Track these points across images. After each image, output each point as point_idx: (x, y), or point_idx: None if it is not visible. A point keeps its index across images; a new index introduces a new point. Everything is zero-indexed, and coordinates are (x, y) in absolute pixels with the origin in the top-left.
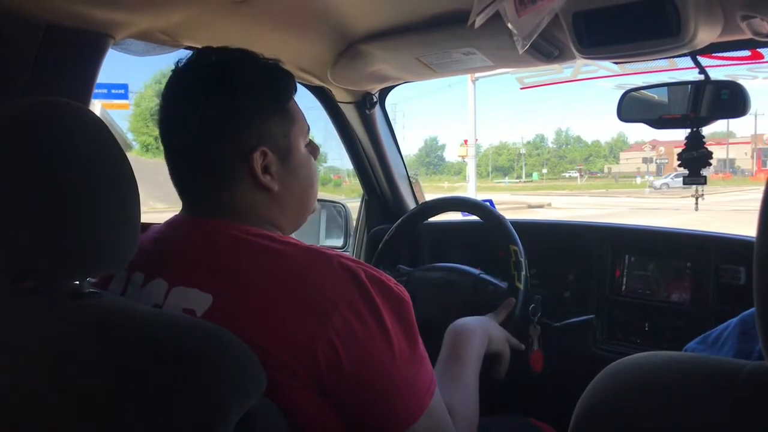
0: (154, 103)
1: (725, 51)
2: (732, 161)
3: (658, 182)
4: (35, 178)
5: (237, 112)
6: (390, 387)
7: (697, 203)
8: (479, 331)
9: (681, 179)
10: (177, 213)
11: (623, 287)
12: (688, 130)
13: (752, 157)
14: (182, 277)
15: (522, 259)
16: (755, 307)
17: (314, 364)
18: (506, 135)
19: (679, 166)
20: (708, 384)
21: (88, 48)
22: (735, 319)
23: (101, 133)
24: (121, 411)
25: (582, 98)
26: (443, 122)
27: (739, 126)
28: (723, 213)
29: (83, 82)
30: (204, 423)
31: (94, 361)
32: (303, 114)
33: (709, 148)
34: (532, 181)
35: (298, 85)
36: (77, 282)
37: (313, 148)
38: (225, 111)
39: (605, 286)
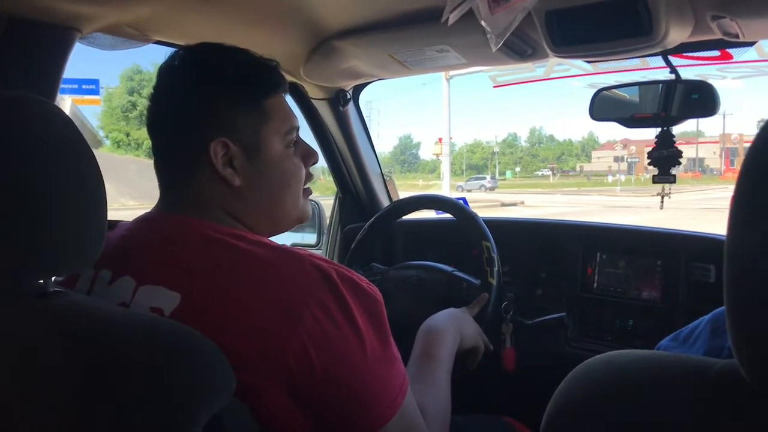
0: (125, 99)
1: (696, 51)
2: (701, 160)
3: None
4: None
5: (201, 101)
6: (362, 387)
7: (662, 201)
8: (451, 330)
9: (476, 182)
10: (149, 210)
11: (595, 285)
12: (659, 129)
13: (721, 156)
14: (150, 275)
15: (494, 255)
16: (725, 307)
17: (284, 365)
18: (480, 133)
19: (650, 164)
20: (679, 382)
21: (54, 42)
22: (707, 317)
23: (67, 128)
24: (86, 412)
25: (555, 97)
26: (418, 120)
27: (708, 126)
28: (693, 211)
29: (49, 77)
30: (171, 424)
31: (59, 361)
32: (288, 114)
33: (679, 147)
34: (505, 179)
35: None
36: (42, 281)
37: (304, 152)
38: (189, 99)
39: (577, 284)
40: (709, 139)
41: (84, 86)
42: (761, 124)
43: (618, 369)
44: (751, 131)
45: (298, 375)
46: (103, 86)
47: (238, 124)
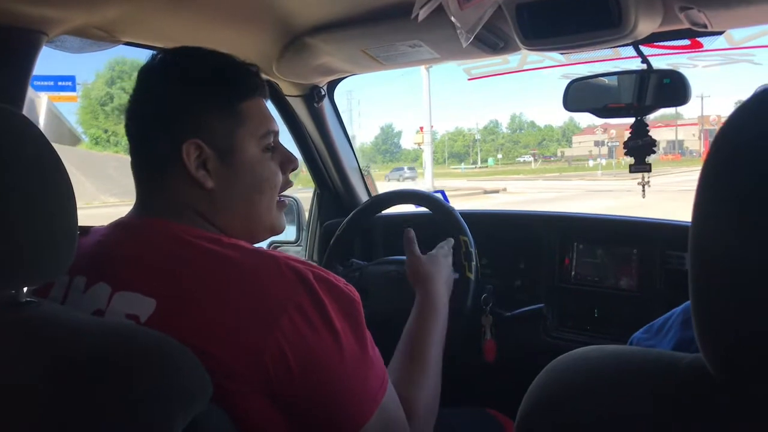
0: (104, 90)
1: (666, 40)
2: (681, 142)
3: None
4: None
5: (175, 102)
6: (340, 388)
7: (644, 190)
8: (445, 296)
9: (397, 173)
10: (126, 213)
11: (572, 275)
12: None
13: (700, 138)
14: (125, 281)
15: (472, 250)
16: (690, 302)
17: (262, 368)
18: (462, 121)
19: (626, 154)
20: (648, 378)
21: (20, 46)
22: (679, 308)
23: (34, 137)
24: (62, 421)
25: (534, 85)
26: (399, 110)
27: (686, 108)
28: (674, 193)
29: (16, 82)
30: (149, 431)
31: (31, 372)
32: (266, 118)
33: (659, 129)
34: (487, 167)
35: None
36: (13, 291)
37: (283, 158)
38: (164, 100)
39: (555, 275)
40: (688, 122)
41: (60, 83)
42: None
43: (589, 365)
44: (729, 113)
45: (276, 378)
46: (80, 82)
47: (213, 125)
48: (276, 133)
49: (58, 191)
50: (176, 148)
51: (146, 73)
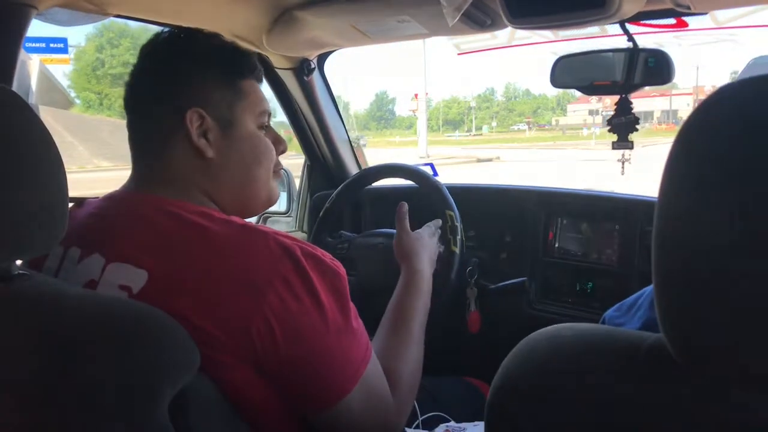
0: (95, 57)
1: (652, 19)
2: (675, 112)
3: None
4: None
5: (178, 75)
6: (324, 360)
7: (623, 168)
8: (428, 271)
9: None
10: (121, 186)
11: (556, 249)
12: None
13: (694, 107)
14: (118, 252)
15: (457, 224)
16: (653, 285)
17: (248, 340)
18: (457, 89)
19: (609, 131)
20: (612, 356)
21: (9, 19)
22: (649, 287)
23: (20, 111)
24: (52, 394)
25: (529, 54)
26: (394, 76)
27: (681, 78)
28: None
29: (5, 56)
30: (135, 403)
31: (24, 344)
32: (262, 99)
33: (654, 99)
34: (481, 135)
35: None
36: (4, 265)
37: (273, 139)
38: (167, 73)
39: (539, 248)
40: (683, 91)
41: (52, 45)
42: (734, 75)
43: (556, 344)
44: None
45: (261, 350)
46: (73, 45)
47: (214, 98)
48: (269, 115)
49: (48, 165)
50: (179, 117)
51: (150, 51)
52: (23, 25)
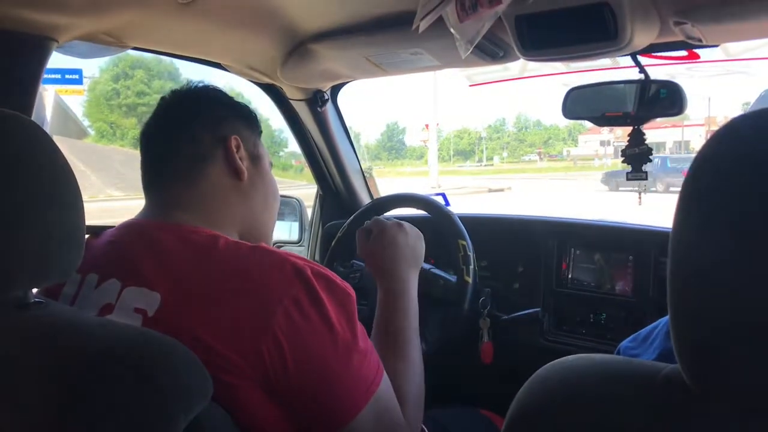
0: (110, 87)
1: (664, 51)
2: (687, 143)
3: None
4: None
5: (219, 112)
6: (335, 378)
7: (640, 198)
8: (412, 279)
9: None
10: (137, 215)
11: (569, 279)
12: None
13: (706, 139)
14: (134, 276)
15: (470, 254)
16: (669, 315)
17: (259, 361)
18: (468, 119)
19: (623, 161)
20: (628, 387)
21: (31, 52)
22: (664, 318)
23: (41, 141)
24: (66, 421)
25: (540, 85)
26: (404, 107)
27: (693, 109)
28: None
29: (26, 88)
30: (151, 429)
31: (38, 373)
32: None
33: (666, 130)
34: (492, 165)
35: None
36: (21, 293)
37: None
38: (209, 109)
39: (552, 279)
40: (695, 122)
41: (67, 76)
42: (746, 106)
43: (571, 375)
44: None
45: (272, 370)
46: (87, 76)
47: (245, 134)
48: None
49: (66, 196)
50: (220, 141)
51: (177, 97)
52: (44, 58)
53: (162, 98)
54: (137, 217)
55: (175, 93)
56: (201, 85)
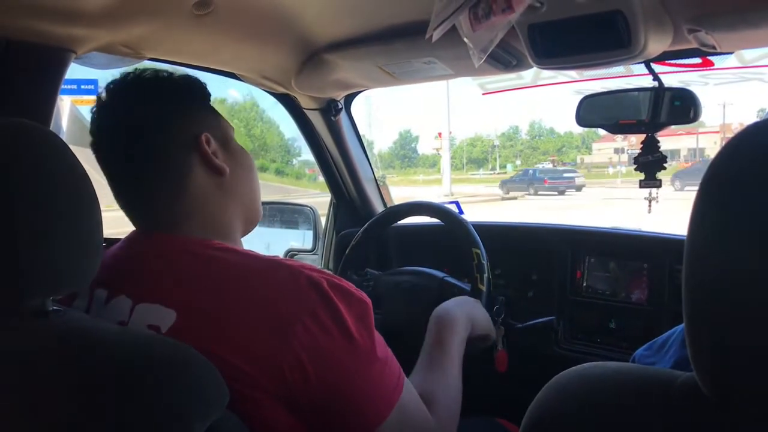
0: None
1: (678, 58)
2: (702, 150)
3: None
4: None
5: (173, 111)
6: (357, 388)
7: (650, 206)
8: (463, 318)
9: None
10: (134, 230)
11: (584, 287)
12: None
13: (721, 145)
14: (145, 293)
15: (484, 262)
16: (683, 316)
17: (279, 376)
18: (480, 127)
19: (636, 169)
20: (644, 395)
21: (50, 63)
22: (680, 326)
23: (60, 152)
24: (84, 429)
25: (553, 93)
26: (417, 114)
27: (708, 116)
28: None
29: (45, 99)
30: None
31: (58, 380)
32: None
33: (680, 137)
34: (506, 173)
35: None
36: (40, 301)
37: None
38: (161, 112)
39: (566, 287)
40: (710, 129)
41: (83, 86)
42: (761, 113)
43: (587, 383)
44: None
45: (293, 384)
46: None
47: (208, 122)
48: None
49: (85, 205)
50: (192, 145)
51: (122, 97)
52: (62, 69)
53: (100, 102)
54: (140, 229)
55: (114, 94)
56: (133, 74)
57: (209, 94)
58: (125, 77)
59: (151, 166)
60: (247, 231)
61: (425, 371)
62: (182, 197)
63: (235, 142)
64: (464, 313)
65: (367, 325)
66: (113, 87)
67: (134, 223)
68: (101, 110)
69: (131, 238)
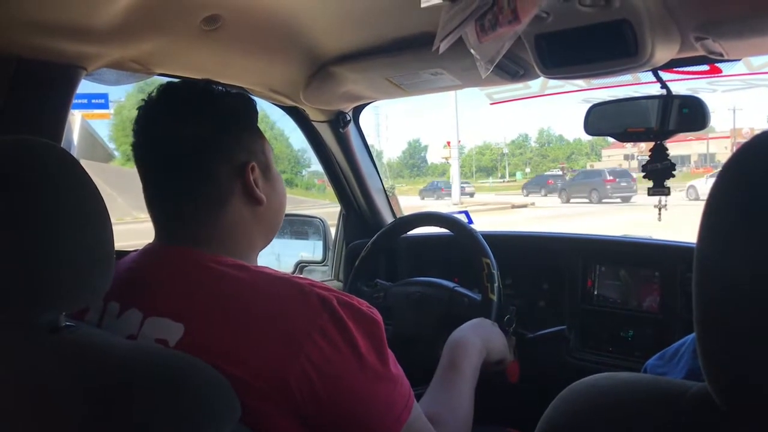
0: (136, 111)
1: (685, 66)
2: (712, 155)
3: None
4: (8, 216)
5: (227, 132)
6: (365, 406)
7: (660, 214)
8: (478, 342)
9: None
10: (151, 242)
11: (595, 296)
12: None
13: (731, 150)
14: (155, 307)
15: (494, 272)
16: (694, 325)
17: (288, 391)
18: (489, 135)
19: (644, 177)
20: (656, 406)
21: (60, 80)
22: (691, 336)
23: (71, 168)
24: None
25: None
26: (426, 124)
27: (718, 121)
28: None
29: (56, 115)
30: None
31: (72, 394)
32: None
33: (690, 143)
34: (515, 181)
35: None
36: (52, 316)
37: None
38: (216, 130)
39: (577, 296)
40: (720, 134)
41: (93, 101)
42: None
43: (599, 393)
44: (762, 125)
45: (302, 400)
46: (113, 100)
47: (255, 147)
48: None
49: (96, 220)
50: (239, 172)
51: (180, 105)
52: (73, 86)
53: (147, 114)
54: (156, 242)
55: (165, 102)
56: (183, 83)
57: (257, 113)
58: (174, 86)
59: (194, 185)
60: (263, 248)
61: (436, 392)
62: (218, 221)
63: (274, 168)
64: (480, 338)
65: (378, 342)
66: (163, 94)
67: (158, 235)
68: (149, 118)
69: (147, 250)
